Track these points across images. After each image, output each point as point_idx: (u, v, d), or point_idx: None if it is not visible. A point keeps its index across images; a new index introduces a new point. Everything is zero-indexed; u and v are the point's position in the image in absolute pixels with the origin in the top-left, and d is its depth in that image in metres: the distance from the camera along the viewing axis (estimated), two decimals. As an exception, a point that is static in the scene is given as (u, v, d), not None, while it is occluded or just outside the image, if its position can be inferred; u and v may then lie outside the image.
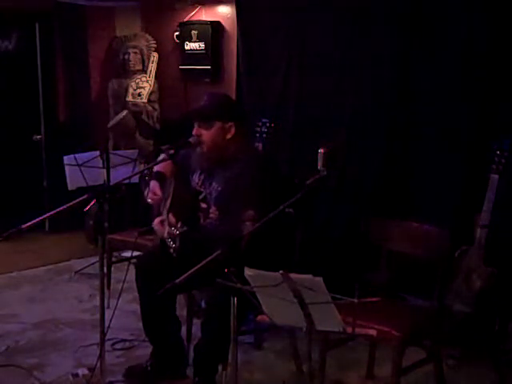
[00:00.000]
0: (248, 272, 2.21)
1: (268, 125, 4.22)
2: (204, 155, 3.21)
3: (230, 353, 2.61)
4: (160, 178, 3.34)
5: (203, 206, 3.27)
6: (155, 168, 3.42)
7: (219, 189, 3.19)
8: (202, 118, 3.18)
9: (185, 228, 3.01)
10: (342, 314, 2.18)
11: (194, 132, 3.19)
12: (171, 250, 3.08)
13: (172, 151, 3.15)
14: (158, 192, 3.27)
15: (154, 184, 3.31)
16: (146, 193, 3.32)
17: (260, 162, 3.29)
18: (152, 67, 6.04)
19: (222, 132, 3.17)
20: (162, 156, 3.31)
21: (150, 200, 3.28)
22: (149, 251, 3.60)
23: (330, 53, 4.46)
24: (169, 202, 3.23)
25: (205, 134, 3.16)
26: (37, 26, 6.10)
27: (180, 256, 3.07)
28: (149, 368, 3.41)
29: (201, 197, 3.28)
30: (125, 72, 6.09)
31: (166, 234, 3.10)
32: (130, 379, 3.41)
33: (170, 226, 3.09)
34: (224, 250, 2.34)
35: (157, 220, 3.18)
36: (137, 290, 3.35)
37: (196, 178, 3.32)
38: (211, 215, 3.22)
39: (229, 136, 3.18)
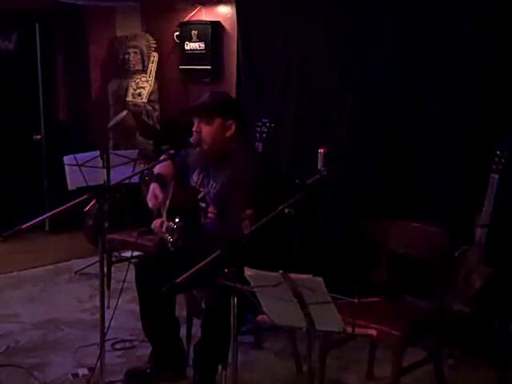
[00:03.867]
0: (248, 272, 2.21)
1: (268, 125, 4.22)
2: (203, 153, 3.18)
3: (230, 353, 2.61)
4: (160, 180, 3.30)
5: (202, 205, 3.26)
6: (155, 170, 3.39)
7: (217, 188, 3.19)
8: (203, 114, 3.15)
9: (183, 222, 2.98)
10: (342, 314, 2.18)
11: (194, 128, 3.16)
12: (169, 245, 3.02)
13: (172, 151, 3.14)
14: (160, 195, 3.21)
15: (154, 186, 3.26)
16: (148, 196, 3.29)
17: (258, 162, 3.29)
18: (152, 67, 6.04)
19: (222, 129, 3.15)
20: (163, 156, 3.30)
21: (150, 204, 3.22)
22: (149, 252, 3.60)
23: (330, 53, 4.46)
24: (168, 202, 3.22)
25: (205, 131, 3.14)
26: (37, 26, 6.10)
27: (179, 255, 3.07)
28: (148, 370, 3.40)
29: (200, 196, 3.27)
30: (125, 72, 6.10)
31: (164, 229, 3.04)
32: (129, 382, 3.40)
33: (168, 220, 3.06)
34: (224, 250, 2.34)
35: (157, 221, 3.13)
36: (136, 290, 3.35)
37: (195, 177, 3.32)
38: (209, 214, 3.21)
39: (229, 134, 3.17)
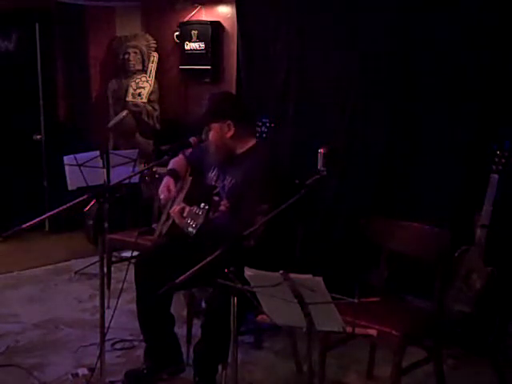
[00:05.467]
0: (248, 272, 2.21)
1: (268, 125, 4.22)
2: (213, 156, 3.30)
3: (229, 353, 2.61)
4: (174, 175, 3.40)
5: (215, 198, 3.27)
6: (169, 165, 3.47)
7: (232, 182, 3.23)
8: (203, 124, 3.32)
9: (207, 206, 2.89)
10: (342, 314, 2.18)
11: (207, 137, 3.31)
12: (190, 229, 2.89)
13: (167, 156, 3.22)
14: (173, 189, 3.32)
15: (168, 180, 3.37)
16: (160, 188, 3.34)
17: (269, 159, 3.30)
18: (152, 67, 6.04)
19: (221, 132, 3.21)
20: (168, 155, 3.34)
21: (162, 195, 3.31)
22: (149, 249, 3.61)
23: (329, 53, 4.46)
24: (183, 195, 3.24)
25: (210, 137, 3.27)
26: (37, 26, 6.10)
27: (181, 251, 3.06)
28: (145, 371, 3.40)
29: (215, 192, 3.29)
30: (125, 72, 6.10)
31: (186, 214, 2.95)
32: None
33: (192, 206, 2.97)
34: (225, 249, 2.34)
35: (176, 208, 3.06)
36: (135, 287, 3.35)
37: (211, 175, 3.37)
38: (221, 207, 3.20)
39: (229, 134, 3.20)
